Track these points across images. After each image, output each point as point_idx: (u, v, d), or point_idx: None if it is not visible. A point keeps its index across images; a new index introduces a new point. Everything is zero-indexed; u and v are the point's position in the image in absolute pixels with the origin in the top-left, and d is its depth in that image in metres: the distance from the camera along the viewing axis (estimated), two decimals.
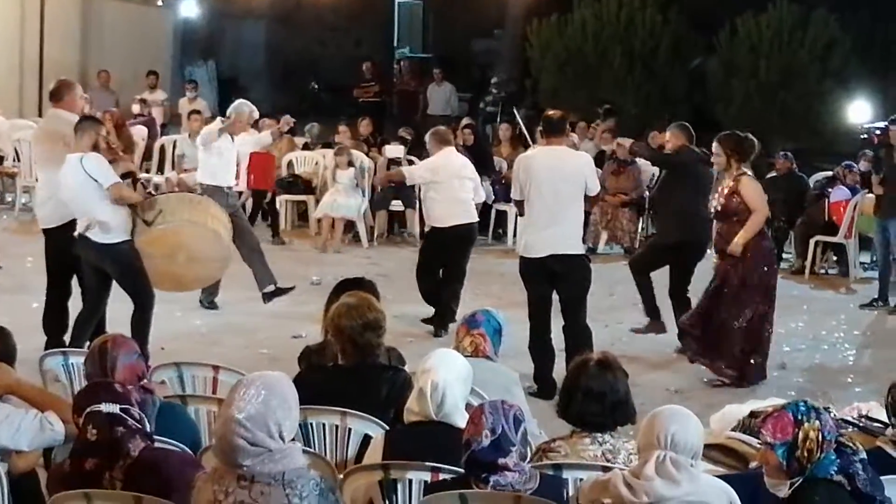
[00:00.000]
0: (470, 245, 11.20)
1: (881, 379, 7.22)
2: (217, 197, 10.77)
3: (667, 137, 10.76)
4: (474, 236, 11.36)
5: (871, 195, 13.23)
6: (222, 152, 11.38)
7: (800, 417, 4.45)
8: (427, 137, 11.45)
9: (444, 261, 11.05)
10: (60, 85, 9.39)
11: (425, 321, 10.92)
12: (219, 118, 12.05)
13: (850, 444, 4.55)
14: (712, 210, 9.57)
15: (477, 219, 11.46)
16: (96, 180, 8.55)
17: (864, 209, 13.93)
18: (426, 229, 11.63)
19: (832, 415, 4.75)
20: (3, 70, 20.64)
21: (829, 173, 15.66)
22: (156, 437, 4.64)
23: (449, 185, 10.95)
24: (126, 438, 4.45)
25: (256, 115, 12.00)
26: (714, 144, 9.56)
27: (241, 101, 11.73)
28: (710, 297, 9.54)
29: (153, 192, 9.88)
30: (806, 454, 4.41)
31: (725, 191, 9.40)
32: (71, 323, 9.19)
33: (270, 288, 11.25)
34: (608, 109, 14.40)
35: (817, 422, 4.44)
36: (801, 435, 4.42)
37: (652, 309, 10.75)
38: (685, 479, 4.18)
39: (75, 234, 8.78)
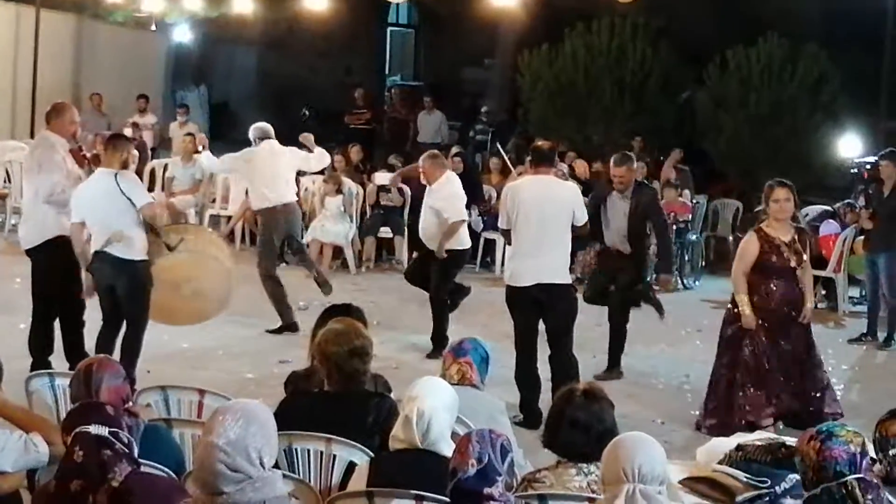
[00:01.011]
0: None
1: (869, 415, 7.17)
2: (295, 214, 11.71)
3: (620, 174, 10.40)
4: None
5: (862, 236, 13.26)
6: None
7: (812, 434, 4.37)
8: (425, 162, 11.38)
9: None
10: (52, 108, 9.51)
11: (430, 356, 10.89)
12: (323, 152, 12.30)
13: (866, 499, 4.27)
14: (788, 266, 9.03)
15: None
16: (129, 199, 8.63)
17: (855, 249, 13.95)
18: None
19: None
20: None
21: (821, 208, 15.67)
22: (141, 461, 4.61)
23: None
24: (112, 462, 4.41)
25: None
26: (783, 190, 8.93)
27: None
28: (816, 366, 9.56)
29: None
30: (802, 470, 4.36)
31: (797, 244, 9.01)
32: (56, 343, 9.24)
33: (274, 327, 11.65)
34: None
35: (819, 444, 4.31)
36: (802, 451, 4.36)
37: (617, 360, 10.62)
38: None
39: (93, 250, 8.83)
